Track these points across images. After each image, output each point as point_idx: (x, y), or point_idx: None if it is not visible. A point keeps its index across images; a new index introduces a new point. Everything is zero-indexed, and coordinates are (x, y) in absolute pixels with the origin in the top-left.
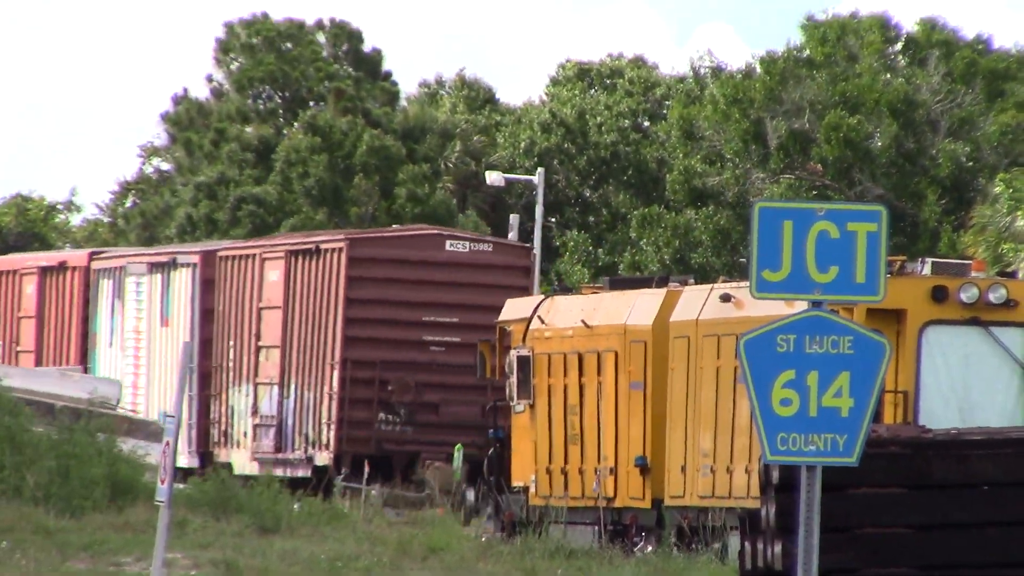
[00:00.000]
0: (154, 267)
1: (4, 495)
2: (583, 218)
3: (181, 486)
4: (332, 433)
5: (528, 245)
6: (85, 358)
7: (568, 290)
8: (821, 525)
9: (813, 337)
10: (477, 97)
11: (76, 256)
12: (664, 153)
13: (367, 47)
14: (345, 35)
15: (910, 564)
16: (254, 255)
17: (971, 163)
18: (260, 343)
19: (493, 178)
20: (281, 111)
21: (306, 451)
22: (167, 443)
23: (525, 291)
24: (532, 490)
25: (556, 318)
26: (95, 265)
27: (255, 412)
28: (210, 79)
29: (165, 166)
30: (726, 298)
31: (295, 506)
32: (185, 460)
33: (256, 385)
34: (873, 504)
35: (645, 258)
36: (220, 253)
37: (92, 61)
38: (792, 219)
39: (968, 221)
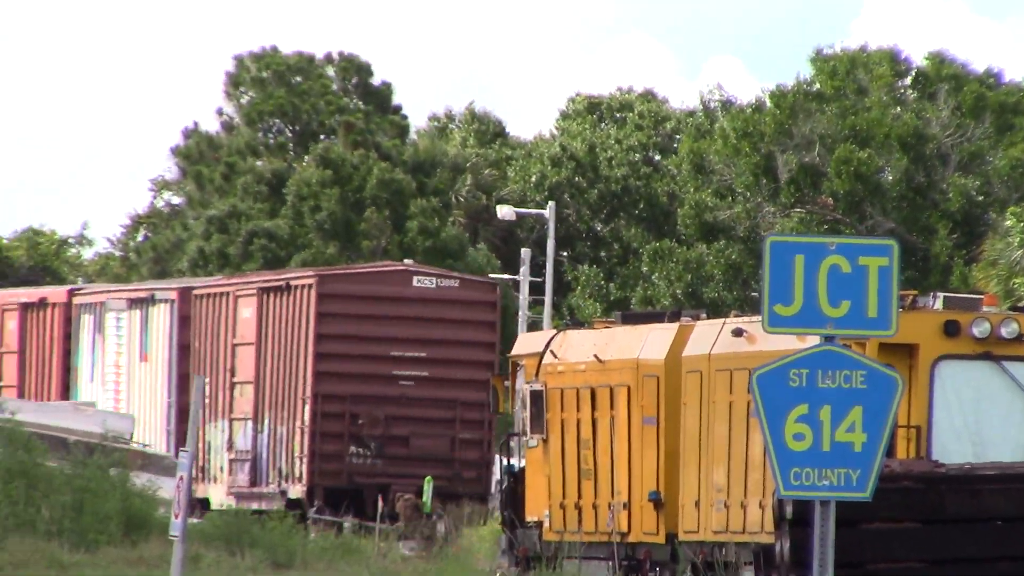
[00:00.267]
0: (133, 303)
1: (18, 529)
2: (595, 252)
3: (195, 521)
4: (304, 466)
5: (495, 281)
6: (67, 393)
7: (580, 324)
8: (835, 560)
9: (826, 372)
10: (487, 131)
11: (57, 292)
12: (675, 187)
13: (376, 80)
14: (355, 68)
15: None
16: (228, 292)
17: (981, 197)
18: (234, 379)
19: (504, 212)
20: (291, 144)
21: (280, 485)
22: (181, 477)
23: (492, 326)
24: (546, 525)
25: (568, 352)
26: (76, 301)
27: (230, 447)
28: (220, 112)
29: (176, 200)
30: (738, 332)
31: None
32: None
33: (231, 420)
34: (887, 538)
35: (657, 292)
36: (196, 291)
37: (103, 95)
38: (804, 253)
39: (979, 255)
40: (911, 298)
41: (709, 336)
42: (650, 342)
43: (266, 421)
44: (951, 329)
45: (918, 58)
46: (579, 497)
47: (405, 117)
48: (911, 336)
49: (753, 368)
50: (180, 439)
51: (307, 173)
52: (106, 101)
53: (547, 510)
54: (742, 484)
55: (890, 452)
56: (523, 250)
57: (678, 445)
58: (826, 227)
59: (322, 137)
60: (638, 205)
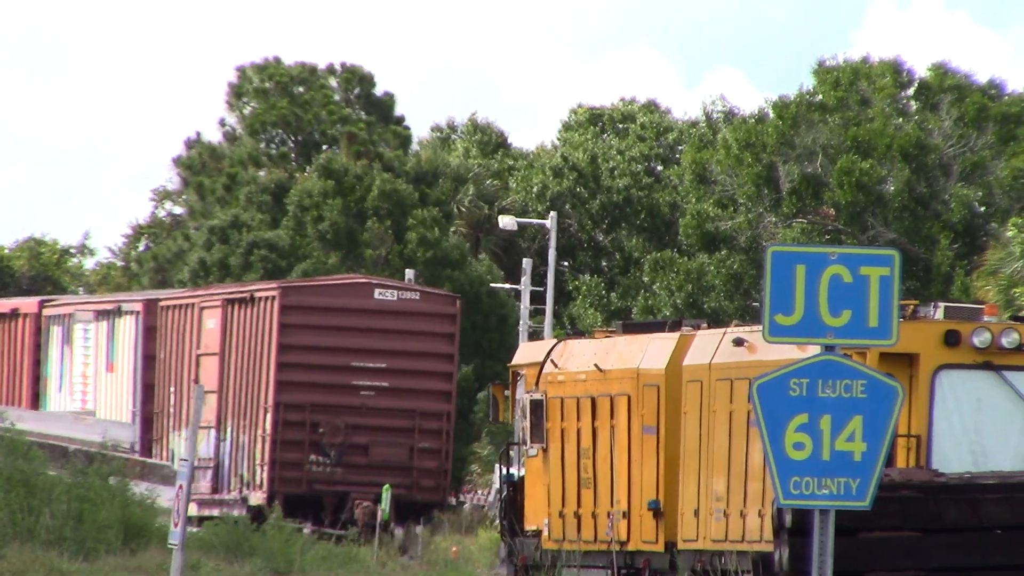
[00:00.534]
0: (100, 315)
1: (18, 538)
2: (596, 262)
3: (194, 529)
4: (265, 474)
5: (454, 294)
6: (36, 402)
7: (581, 334)
8: (834, 569)
9: (826, 381)
10: (489, 141)
11: (27, 303)
12: (677, 197)
13: (379, 91)
14: (357, 79)
15: None
16: (193, 304)
17: (983, 207)
18: None
19: (506, 222)
20: (293, 155)
21: (241, 491)
22: (180, 486)
23: (451, 338)
24: (545, 534)
25: (569, 362)
26: (46, 312)
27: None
28: (222, 123)
29: (178, 210)
30: (739, 342)
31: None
32: None
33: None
34: (886, 547)
35: (658, 302)
36: (161, 302)
37: (105, 105)
38: (805, 263)
39: (980, 265)
40: (912, 308)
41: (710, 346)
42: (651, 352)
43: (229, 429)
44: (952, 339)
45: (920, 69)
46: (578, 506)
47: (407, 127)
48: (912, 346)
49: (753, 377)
50: (144, 448)
51: (309, 183)
52: (108, 111)
53: (546, 519)
54: (742, 493)
55: (890, 461)
56: (525, 260)
57: (678, 454)
58: (827, 237)
59: (324, 147)
60: (640, 215)
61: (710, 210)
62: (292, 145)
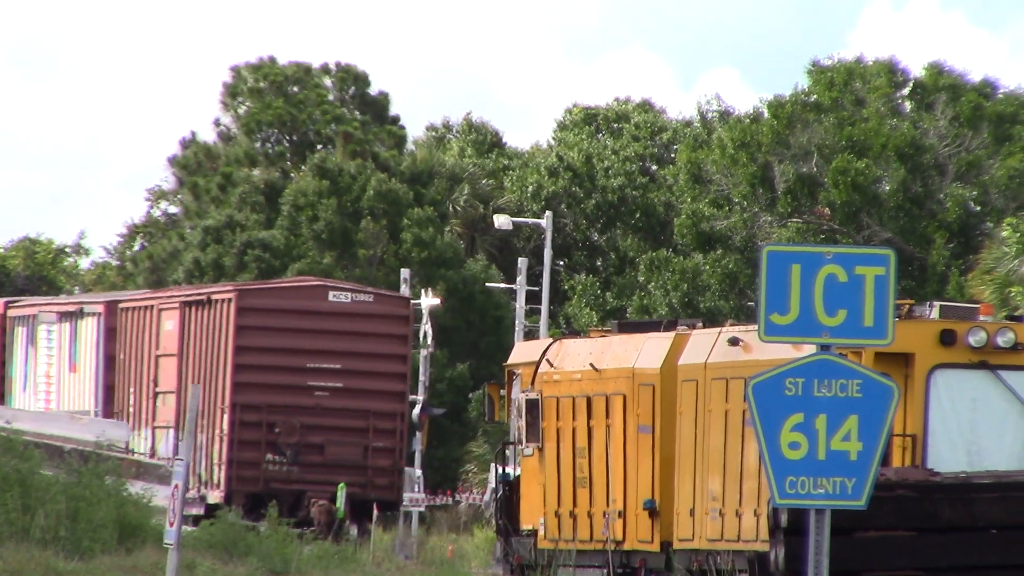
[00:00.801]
0: (63, 316)
1: (13, 537)
2: (591, 262)
3: (190, 529)
4: (223, 473)
5: (407, 296)
6: (1, 401)
7: (576, 333)
8: (830, 568)
9: (821, 380)
10: (485, 141)
11: None
12: (672, 197)
13: (374, 90)
14: (352, 78)
15: None
16: (152, 306)
17: (979, 207)
18: (157, 389)
19: (501, 222)
20: (288, 154)
21: (199, 490)
22: (176, 486)
23: (404, 339)
24: (541, 533)
25: (565, 361)
26: (11, 313)
27: (153, 455)
28: (217, 123)
29: (173, 209)
30: (734, 341)
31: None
32: None
33: (154, 429)
34: (881, 547)
35: (653, 302)
36: (121, 304)
37: (100, 105)
38: (800, 263)
39: (976, 265)
40: (907, 307)
41: (705, 345)
42: (646, 351)
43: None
44: (947, 338)
45: (915, 69)
46: (574, 505)
47: (402, 127)
48: (907, 345)
49: (749, 377)
50: None
51: (304, 183)
52: (104, 111)
53: (542, 518)
54: (737, 492)
55: (885, 461)
56: (520, 259)
57: (673, 453)
58: (823, 237)
59: (319, 147)
60: (635, 215)
61: (705, 210)
62: (287, 145)
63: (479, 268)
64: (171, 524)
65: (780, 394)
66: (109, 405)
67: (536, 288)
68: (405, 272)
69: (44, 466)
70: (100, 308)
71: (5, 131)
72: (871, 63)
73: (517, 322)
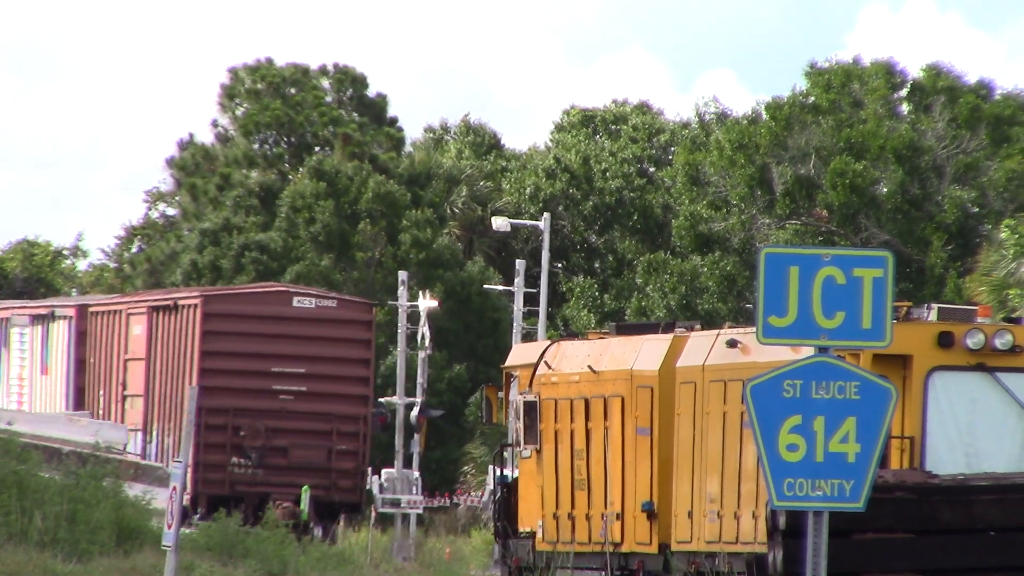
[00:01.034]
0: (35, 319)
1: (11, 540)
2: (589, 264)
3: (188, 531)
4: (189, 476)
5: (370, 301)
6: None
7: (574, 335)
8: (828, 570)
9: (819, 382)
10: (482, 143)
11: None
12: (669, 199)
13: (372, 92)
14: (350, 80)
15: None
16: (120, 310)
17: (977, 209)
18: (126, 392)
19: (499, 223)
20: (286, 156)
21: None
22: (174, 488)
23: (367, 344)
24: (539, 535)
25: (563, 363)
26: None
27: None
28: (215, 124)
29: (171, 211)
30: (732, 344)
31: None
32: None
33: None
34: (879, 549)
35: (651, 304)
36: (91, 308)
37: (98, 107)
38: (798, 265)
39: (974, 267)
40: (905, 309)
41: (703, 347)
42: (644, 353)
43: (155, 432)
44: (945, 340)
45: (913, 70)
46: (572, 507)
47: (400, 129)
48: (905, 347)
49: (747, 379)
50: None
51: (301, 185)
52: (101, 113)
53: (540, 520)
54: (735, 494)
55: (883, 463)
56: (518, 261)
57: (671, 455)
58: (821, 239)
59: (316, 149)
60: (632, 217)
61: (703, 212)
62: (285, 146)
63: (477, 270)
64: (169, 526)
65: (778, 396)
66: (79, 407)
67: (534, 290)
68: (403, 274)
69: (43, 468)
70: (71, 312)
71: (3, 133)
72: (869, 65)
73: (515, 324)
